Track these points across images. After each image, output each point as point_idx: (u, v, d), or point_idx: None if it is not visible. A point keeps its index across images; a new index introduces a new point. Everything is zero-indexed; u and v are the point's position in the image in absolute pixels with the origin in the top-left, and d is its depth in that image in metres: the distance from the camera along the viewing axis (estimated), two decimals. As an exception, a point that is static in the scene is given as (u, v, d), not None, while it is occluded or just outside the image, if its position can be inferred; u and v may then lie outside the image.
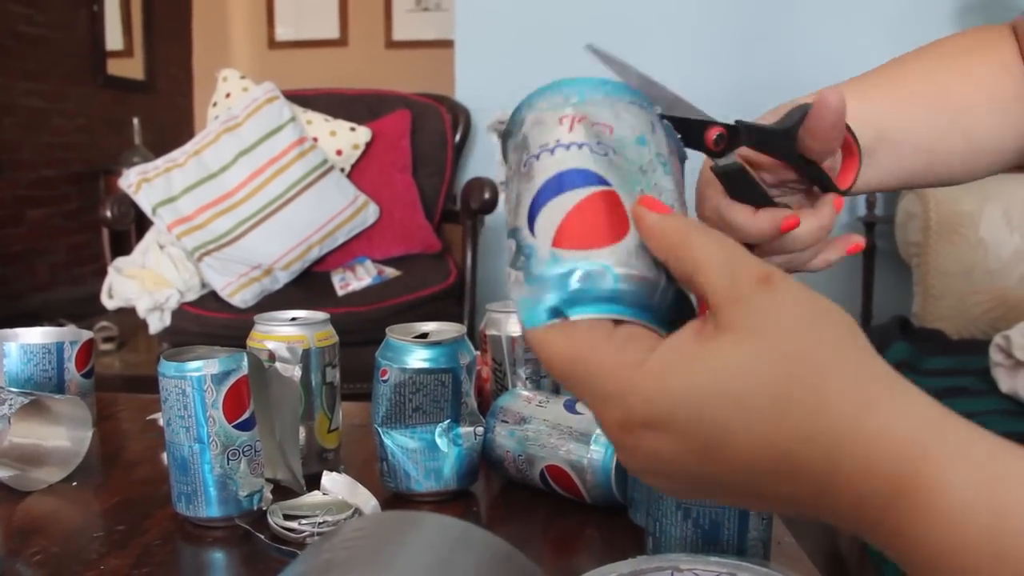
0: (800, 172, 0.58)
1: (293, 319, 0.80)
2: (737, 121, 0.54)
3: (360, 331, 1.51)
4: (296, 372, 0.74)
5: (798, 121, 0.54)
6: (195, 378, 0.67)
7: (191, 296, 2.30)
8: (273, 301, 2.27)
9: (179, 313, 2.25)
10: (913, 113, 0.65)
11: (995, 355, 1.72)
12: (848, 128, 0.58)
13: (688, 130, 0.50)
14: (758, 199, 0.57)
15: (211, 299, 2.29)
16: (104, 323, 3.88)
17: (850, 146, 0.60)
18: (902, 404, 0.34)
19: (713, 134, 0.53)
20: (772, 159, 0.58)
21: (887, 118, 0.64)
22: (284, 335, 0.78)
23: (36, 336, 0.92)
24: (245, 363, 0.69)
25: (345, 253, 2.52)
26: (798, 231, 0.57)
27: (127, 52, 5.42)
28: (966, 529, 0.31)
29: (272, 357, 0.76)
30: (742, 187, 0.56)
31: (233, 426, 0.68)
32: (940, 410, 0.34)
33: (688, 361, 0.35)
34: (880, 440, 0.33)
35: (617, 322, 0.39)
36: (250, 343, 0.79)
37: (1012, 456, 0.32)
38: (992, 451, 0.33)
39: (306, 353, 0.78)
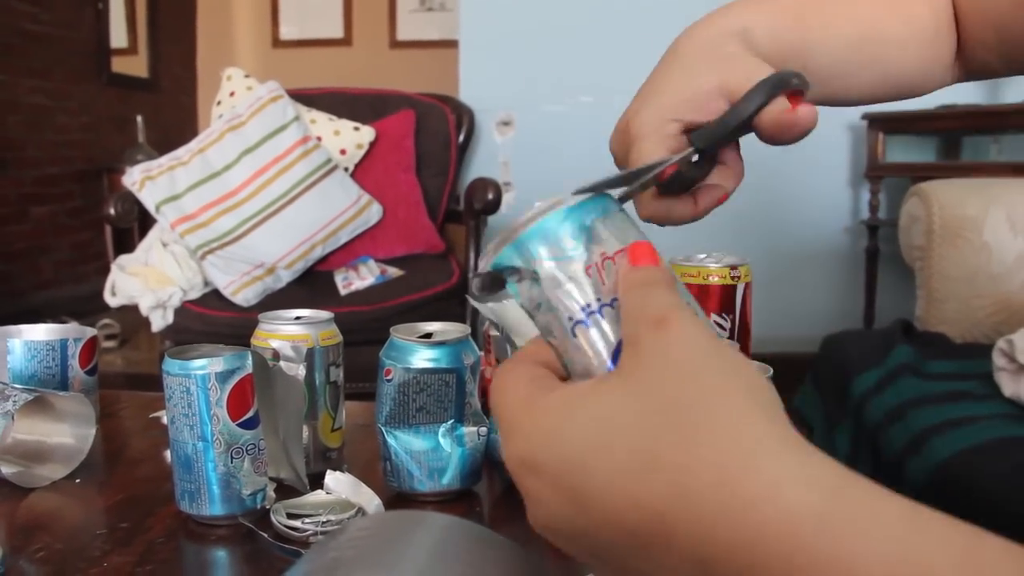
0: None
1: (297, 318, 0.80)
2: (695, 148, 0.53)
3: (363, 330, 1.51)
4: (300, 371, 0.74)
5: (760, 106, 0.50)
6: (199, 376, 0.67)
7: (194, 294, 2.30)
8: (276, 300, 2.27)
9: (182, 311, 2.25)
10: (839, 39, 0.64)
11: (998, 359, 1.72)
12: None
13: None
14: (685, 185, 0.55)
15: (214, 297, 2.29)
16: (106, 320, 3.88)
17: None
18: (795, 469, 0.30)
19: (667, 173, 0.52)
20: None
21: (815, 43, 0.63)
22: (288, 334, 0.78)
23: (40, 333, 0.92)
24: (249, 362, 0.69)
25: (348, 252, 2.53)
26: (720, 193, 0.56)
27: (131, 50, 5.43)
28: None
29: (276, 356, 0.76)
30: (672, 186, 0.55)
31: (237, 424, 0.68)
32: (839, 472, 0.30)
33: (571, 403, 0.34)
34: (763, 508, 0.29)
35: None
36: (254, 342, 0.79)
37: (916, 515, 0.29)
38: (896, 513, 0.29)
39: (310, 352, 0.78)
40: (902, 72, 0.67)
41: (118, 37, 5.24)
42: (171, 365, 0.68)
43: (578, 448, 0.33)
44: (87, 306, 4.09)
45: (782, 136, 0.51)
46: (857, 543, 0.28)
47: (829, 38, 0.63)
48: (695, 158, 0.53)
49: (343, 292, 2.30)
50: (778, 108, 0.50)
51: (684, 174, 0.53)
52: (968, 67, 0.70)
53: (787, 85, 0.50)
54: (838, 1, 0.66)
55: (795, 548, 0.28)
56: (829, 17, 0.64)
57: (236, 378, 0.68)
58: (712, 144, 0.53)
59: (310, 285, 2.41)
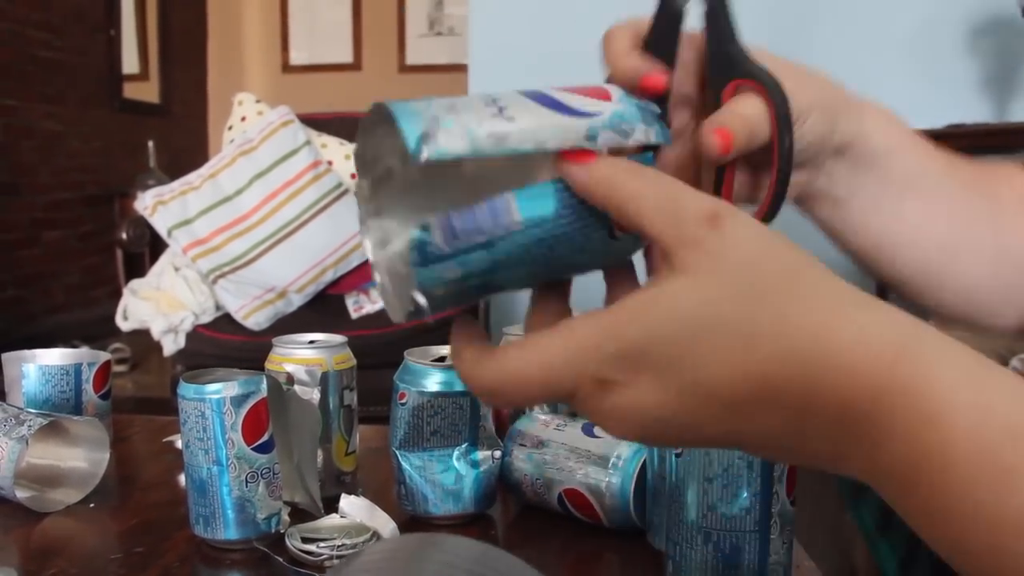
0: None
1: (311, 342, 0.81)
2: None
3: (374, 354, 1.51)
4: (315, 395, 0.74)
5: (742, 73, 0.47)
6: (214, 400, 0.67)
7: (205, 318, 2.30)
8: (287, 324, 2.28)
9: (193, 335, 2.26)
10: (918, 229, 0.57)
11: (1012, 379, 1.71)
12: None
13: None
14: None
15: (225, 321, 2.29)
16: (118, 344, 3.89)
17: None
18: (872, 314, 0.34)
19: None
20: None
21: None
22: (303, 358, 0.78)
23: (55, 358, 0.92)
24: (264, 386, 0.69)
25: (359, 276, 2.53)
26: None
27: (143, 76, 5.47)
28: (951, 426, 0.31)
29: (291, 380, 0.77)
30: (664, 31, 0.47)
31: (252, 448, 0.68)
32: (915, 320, 0.34)
33: (651, 306, 0.35)
34: (854, 349, 0.32)
35: None
36: (268, 366, 0.79)
37: (983, 358, 0.33)
38: (971, 354, 0.33)
39: (324, 376, 0.78)
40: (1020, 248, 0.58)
41: (130, 63, 5.29)
42: (186, 389, 0.68)
43: (683, 341, 0.34)
44: (98, 330, 4.11)
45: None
46: (930, 370, 0.32)
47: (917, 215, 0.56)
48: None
49: (354, 316, 2.30)
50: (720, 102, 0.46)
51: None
52: None
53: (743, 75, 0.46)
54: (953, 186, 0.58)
55: (879, 378, 0.32)
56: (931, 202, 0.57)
57: (251, 402, 0.68)
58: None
59: (321, 309, 2.42)
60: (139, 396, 3.63)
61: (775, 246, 0.35)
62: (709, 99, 0.48)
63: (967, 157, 0.60)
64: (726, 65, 0.47)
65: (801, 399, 0.33)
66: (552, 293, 0.41)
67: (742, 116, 0.45)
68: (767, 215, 0.48)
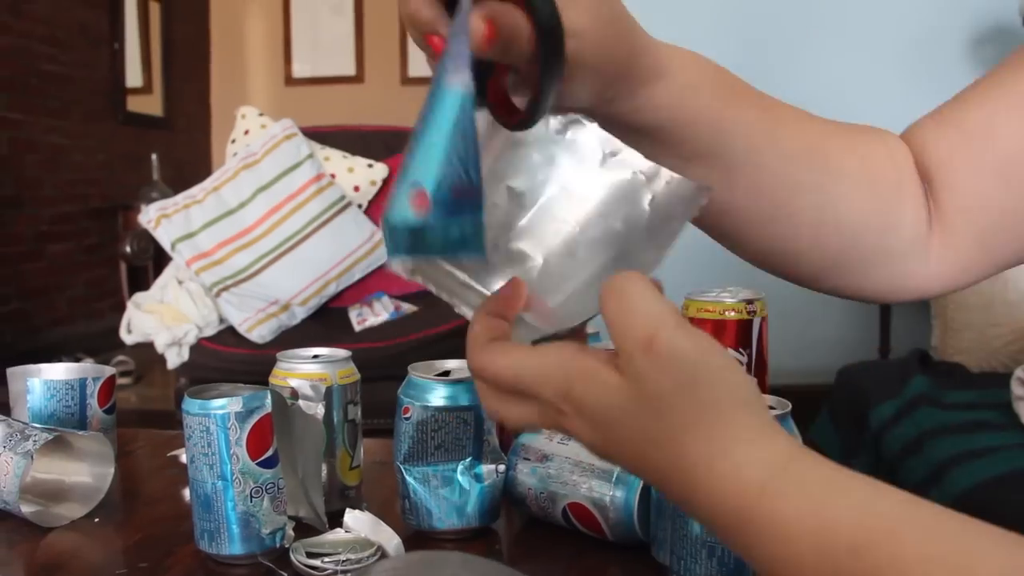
0: None
1: (315, 356, 0.81)
2: None
3: (377, 367, 1.51)
4: (319, 410, 0.74)
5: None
6: (219, 416, 0.67)
7: (209, 331, 2.31)
8: (290, 336, 2.28)
9: (197, 348, 2.26)
10: (784, 161, 0.57)
11: (1016, 389, 1.71)
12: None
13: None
14: None
15: (229, 334, 2.30)
16: (121, 357, 3.90)
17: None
18: (753, 452, 0.40)
19: None
20: None
21: (760, 155, 0.56)
22: (307, 372, 0.78)
23: (59, 372, 0.92)
24: (269, 401, 0.69)
25: (362, 289, 2.54)
26: None
27: (146, 89, 5.50)
28: (797, 544, 0.37)
29: (295, 395, 0.77)
30: None
31: (256, 463, 0.68)
32: (791, 452, 0.40)
33: (597, 379, 0.42)
34: (725, 483, 0.40)
35: None
36: (272, 380, 0.79)
37: (842, 481, 0.39)
38: (825, 480, 0.39)
39: (329, 391, 0.78)
40: (849, 211, 0.59)
41: (133, 77, 5.31)
42: (191, 405, 0.68)
43: (607, 414, 0.42)
44: (102, 343, 4.12)
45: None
46: (782, 505, 0.38)
47: (774, 147, 0.57)
48: None
49: (357, 328, 2.30)
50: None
51: None
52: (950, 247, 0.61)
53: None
54: (793, 114, 0.59)
55: (745, 511, 0.39)
56: (776, 122, 0.57)
57: (255, 417, 0.68)
58: None
59: (324, 321, 2.42)
60: (143, 409, 3.63)
61: (697, 378, 0.41)
62: None
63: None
64: None
65: (683, 499, 0.42)
66: None
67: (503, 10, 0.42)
68: (524, 121, 0.46)
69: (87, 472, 0.84)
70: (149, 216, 2.43)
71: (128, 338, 2.35)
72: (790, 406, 0.64)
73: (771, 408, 0.64)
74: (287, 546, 0.70)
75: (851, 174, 0.59)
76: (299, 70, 6.16)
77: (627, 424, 0.42)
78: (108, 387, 0.93)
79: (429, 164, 0.39)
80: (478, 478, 0.74)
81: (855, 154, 0.60)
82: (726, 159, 0.55)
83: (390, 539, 0.70)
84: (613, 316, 0.42)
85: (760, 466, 0.40)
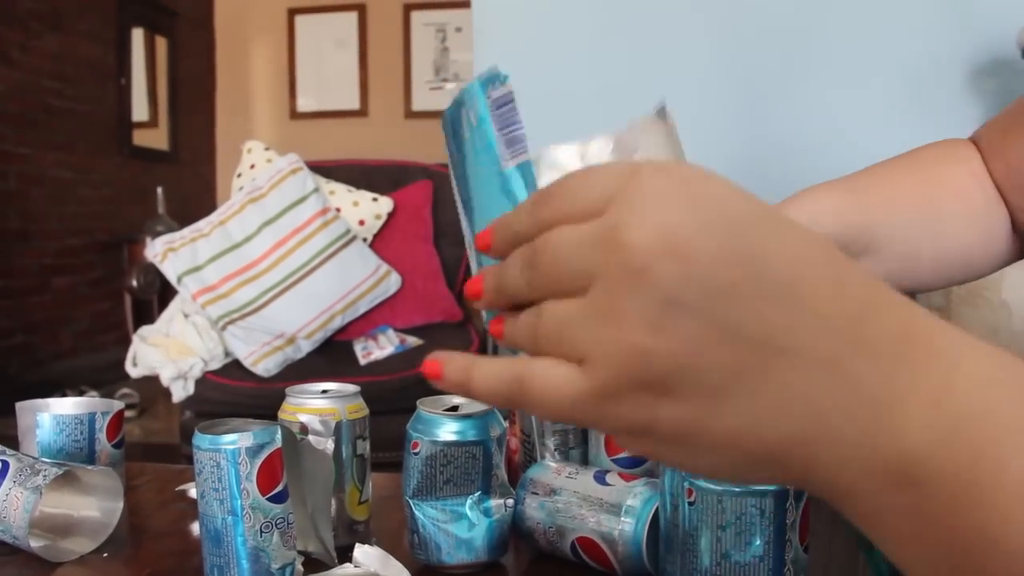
0: None
1: (325, 392, 0.81)
2: None
3: (382, 400, 1.52)
4: (329, 445, 0.74)
5: None
6: (230, 451, 0.67)
7: (215, 365, 2.31)
8: (296, 370, 2.28)
9: (202, 382, 2.27)
10: (901, 217, 0.66)
11: None
12: None
13: None
14: None
15: (234, 368, 2.30)
16: (126, 390, 3.90)
17: None
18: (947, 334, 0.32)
19: None
20: None
21: (879, 221, 0.65)
22: (316, 408, 0.78)
23: (68, 407, 0.92)
24: (279, 436, 0.69)
25: (367, 322, 2.54)
26: None
27: (152, 123, 5.54)
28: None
29: (304, 430, 0.77)
30: None
31: (267, 499, 0.68)
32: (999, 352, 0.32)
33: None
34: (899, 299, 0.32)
35: None
36: (282, 415, 0.79)
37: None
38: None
39: (338, 426, 0.78)
40: (962, 247, 0.69)
41: (139, 111, 5.36)
42: (201, 440, 0.69)
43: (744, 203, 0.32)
44: (106, 376, 4.12)
45: None
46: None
47: (892, 212, 0.65)
48: None
49: (363, 362, 2.30)
50: None
51: None
52: None
53: None
54: (896, 178, 0.68)
55: (938, 325, 0.31)
56: (890, 191, 0.67)
57: (266, 452, 0.68)
58: None
59: (330, 355, 2.42)
60: (147, 442, 3.62)
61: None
62: None
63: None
64: None
65: (869, 300, 0.31)
66: None
67: None
68: None
69: (96, 507, 0.84)
70: (156, 250, 2.44)
71: (134, 371, 2.35)
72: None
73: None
74: (296, 581, 0.70)
75: (956, 213, 0.68)
76: (304, 104, 6.21)
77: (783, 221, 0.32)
78: (117, 422, 0.93)
79: None
80: (487, 512, 0.74)
81: (950, 193, 0.69)
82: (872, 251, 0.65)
83: (399, 574, 0.70)
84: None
85: (982, 364, 0.31)
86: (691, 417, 0.31)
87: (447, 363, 0.36)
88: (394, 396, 1.71)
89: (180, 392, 2.26)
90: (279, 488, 0.69)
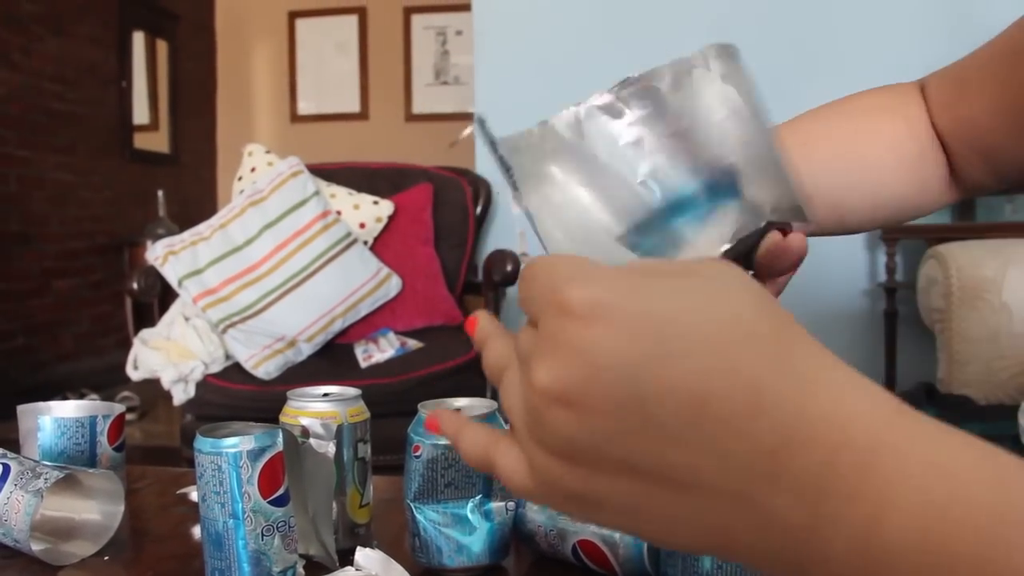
0: None
1: (326, 395, 0.81)
2: None
3: (383, 403, 1.52)
4: (330, 448, 0.74)
5: (752, 247, 0.53)
6: (231, 454, 0.67)
7: (215, 368, 2.31)
8: (297, 373, 2.28)
9: (203, 385, 2.27)
10: (826, 171, 0.68)
11: (1024, 422, 1.71)
12: None
13: None
14: None
15: (235, 371, 2.30)
16: (126, 393, 3.90)
17: None
18: (843, 391, 0.31)
19: None
20: None
21: (801, 176, 0.66)
22: (317, 411, 0.78)
23: (69, 410, 0.93)
24: (280, 439, 0.69)
25: (368, 325, 2.54)
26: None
27: (153, 126, 5.55)
28: (964, 482, 0.28)
29: (306, 433, 0.77)
30: None
31: (268, 502, 0.68)
32: (888, 398, 0.31)
33: (666, 269, 0.33)
34: (842, 398, 0.30)
35: None
36: (283, 419, 0.79)
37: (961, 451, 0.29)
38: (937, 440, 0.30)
39: (339, 429, 0.78)
40: (893, 195, 0.72)
41: (140, 114, 5.36)
42: (203, 443, 0.69)
43: (675, 305, 0.31)
44: (107, 379, 4.12)
45: (778, 264, 0.53)
46: (928, 429, 0.29)
47: (811, 163, 0.67)
48: None
49: (363, 365, 2.30)
50: (771, 241, 0.53)
51: None
52: (964, 186, 0.74)
53: (779, 226, 0.53)
54: (826, 130, 0.71)
55: (877, 430, 0.29)
56: (816, 142, 0.69)
57: (267, 456, 0.68)
58: None
59: (331, 358, 2.42)
60: (148, 445, 3.62)
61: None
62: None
63: (973, 198, 0.77)
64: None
65: (784, 427, 0.29)
66: None
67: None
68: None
69: (97, 510, 0.84)
70: (157, 253, 2.44)
71: (134, 374, 2.35)
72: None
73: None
74: (298, 584, 0.71)
75: (886, 165, 0.71)
76: (304, 107, 6.22)
77: (719, 309, 0.31)
78: (118, 425, 0.93)
79: None
80: (488, 516, 0.74)
81: (886, 147, 0.71)
82: None
83: (400, 577, 0.70)
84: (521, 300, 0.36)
85: (876, 390, 0.31)
86: (618, 521, 0.34)
87: (442, 420, 0.42)
88: (395, 399, 1.71)
89: (181, 395, 2.26)
90: (280, 491, 0.69)
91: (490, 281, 2.49)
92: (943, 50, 2.61)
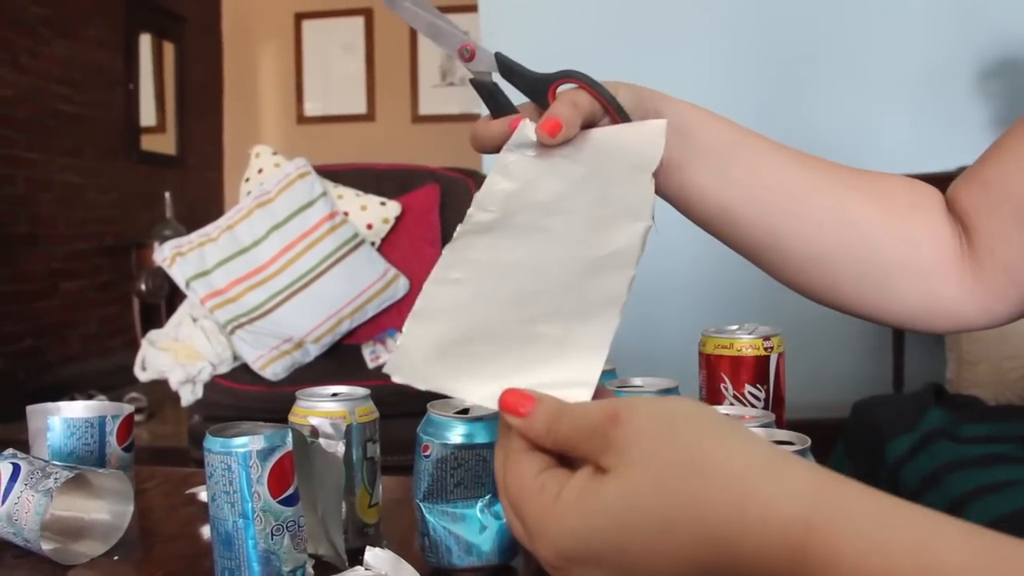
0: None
1: (335, 395, 0.81)
2: (496, 53, 0.64)
3: (390, 403, 1.51)
4: (340, 448, 0.74)
5: (552, 80, 0.62)
6: (241, 454, 0.67)
7: (223, 369, 2.32)
8: (304, 374, 2.29)
9: (211, 385, 2.27)
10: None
11: (1033, 423, 1.70)
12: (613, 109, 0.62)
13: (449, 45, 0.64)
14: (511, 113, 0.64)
15: (243, 372, 2.31)
16: (134, 394, 3.91)
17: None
18: (779, 486, 0.36)
19: (459, 47, 0.64)
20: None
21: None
22: (327, 411, 0.78)
23: (79, 410, 0.93)
24: (290, 439, 0.69)
25: (375, 326, 2.54)
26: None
27: (160, 128, 5.56)
28: None
29: (315, 433, 0.77)
30: (499, 104, 0.65)
31: (278, 502, 0.68)
32: (819, 480, 0.36)
33: (587, 500, 0.40)
34: (764, 525, 0.35)
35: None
36: (292, 418, 0.79)
37: (892, 513, 0.35)
38: (873, 506, 0.35)
39: (348, 428, 0.78)
40: (864, 223, 0.66)
41: (147, 116, 5.38)
42: (212, 443, 0.69)
43: (615, 533, 0.39)
44: (114, 380, 4.13)
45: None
46: (839, 540, 0.34)
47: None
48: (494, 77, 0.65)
49: (371, 366, 2.31)
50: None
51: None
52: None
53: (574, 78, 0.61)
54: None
55: (793, 553, 0.35)
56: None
57: (277, 456, 0.68)
58: (504, 66, 0.64)
59: (338, 359, 2.43)
60: (155, 446, 3.63)
61: (673, 427, 0.39)
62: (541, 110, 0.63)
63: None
64: (539, 82, 0.63)
65: (730, 568, 0.36)
66: None
67: (566, 102, 0.60)
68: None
69: (106, 510, 0.84)
70: (164, 254, 2.45)
71: (142, 375, 2.36)
72: (809, 441, 0.64)
73: (791, 444, 0.64)
74: (307, 584, 0.71)
75: (863, 188, 0.67)
76: (311, 108, 6.23)
77: (640, 519, 0.38)
78: (127, 425, 0.93)
79: None
80: (497, 516, 0.74)
81: (867, 178, 0.68)
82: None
83: (410, 577, 0.70)
84: (572, 430, 0.42)
85: (796, 500, 0.36)
86: None
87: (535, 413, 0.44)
88: (404, 399, 1.70)
89: (188, 396, 2.26)
90: (290, 491, 0.69)
91: (497, 282, 2.49)
92: (953, 39, 2.60)
